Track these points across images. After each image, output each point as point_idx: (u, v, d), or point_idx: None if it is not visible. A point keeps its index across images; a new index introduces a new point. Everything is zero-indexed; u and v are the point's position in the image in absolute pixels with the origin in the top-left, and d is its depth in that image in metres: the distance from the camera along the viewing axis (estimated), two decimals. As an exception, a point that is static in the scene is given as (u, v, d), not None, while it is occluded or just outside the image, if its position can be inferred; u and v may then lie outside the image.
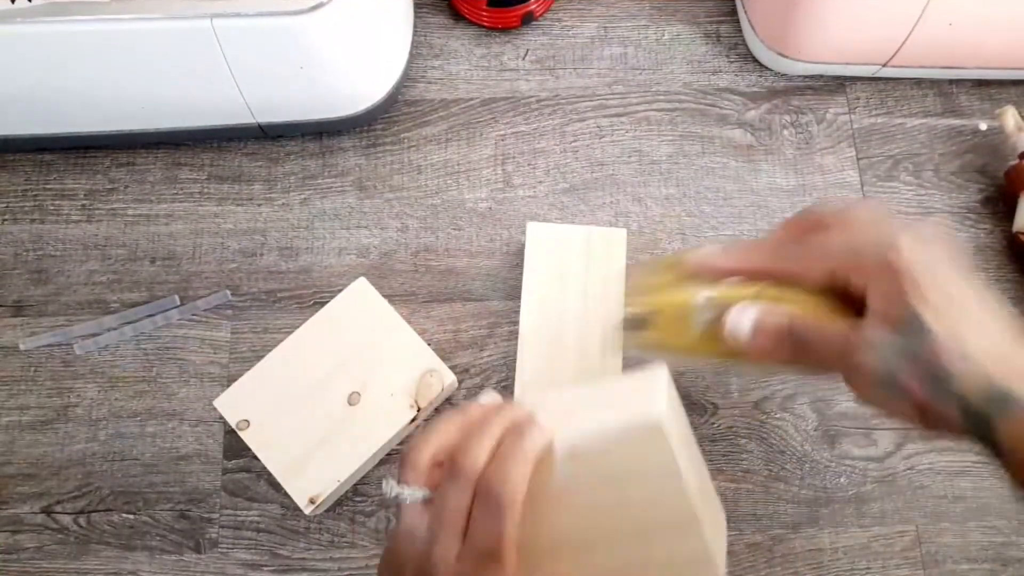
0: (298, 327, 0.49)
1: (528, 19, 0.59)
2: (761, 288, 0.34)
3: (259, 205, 0.55)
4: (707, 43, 0.60)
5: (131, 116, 0.52)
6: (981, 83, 0.59)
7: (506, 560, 0.29)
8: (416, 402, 0.48)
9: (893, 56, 0.55)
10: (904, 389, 0.31)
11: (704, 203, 0.56)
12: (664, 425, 0.30)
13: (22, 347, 0.52)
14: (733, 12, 0.61)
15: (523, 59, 0.60)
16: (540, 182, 0.56)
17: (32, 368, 0.51)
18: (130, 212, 0.55)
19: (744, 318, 0.33)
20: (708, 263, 0.36)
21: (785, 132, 0.58)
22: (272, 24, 0.45)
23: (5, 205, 0.55)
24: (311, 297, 0.53)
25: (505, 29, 0.60)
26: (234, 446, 0.49)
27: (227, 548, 0.48)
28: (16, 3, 0.43)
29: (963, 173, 0.57)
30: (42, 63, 0.47)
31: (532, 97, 0.59)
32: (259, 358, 0.48)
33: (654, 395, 0.32)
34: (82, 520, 0.49)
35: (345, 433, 0.47)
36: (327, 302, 0.50)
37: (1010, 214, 0.55)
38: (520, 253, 0.53)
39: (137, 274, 0.54)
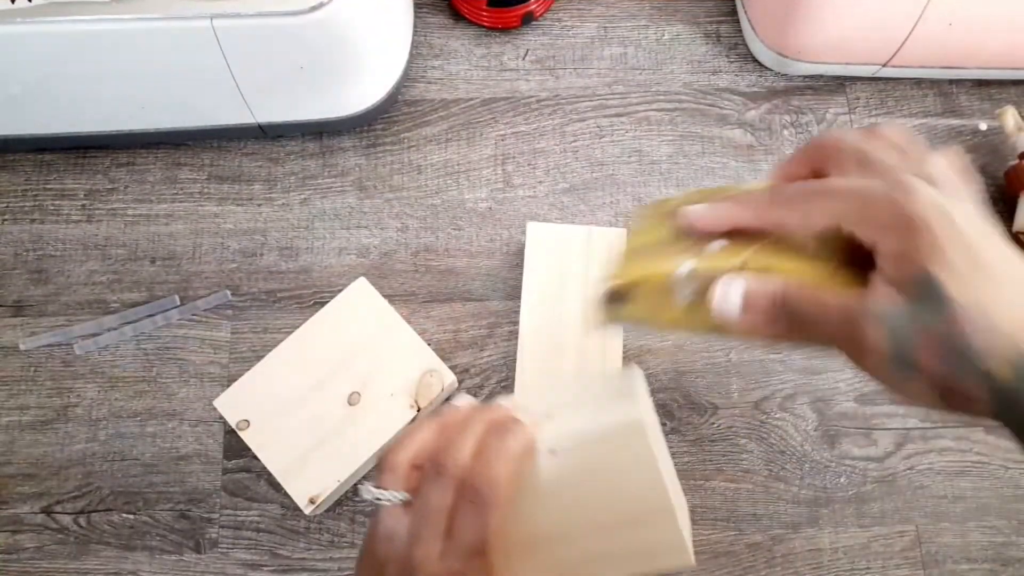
0: (298, 327, 0.49)
1: (528, 19, 0.59)
2: (750, 254, 0.30)
3: (259, 205, 0.55)
4: (707, 43, 0.60)
5: (131, 116, 0.52)
6: (981, 83, 0.59)
7: (491, 556, 0.29)
8: (416, 402, 0.48)
9: (893, 56, 0.55)
10: (919, 367, 0.26)
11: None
12: (644, 424, 0.31)
13: (22, 347, 0.52)
14: (733, 12, 0.61)
15: (523, 59, 0.60)
16: (540, 182, 0.56)
17: (32, 368, 0.51)
18: (130, 212, 0.55)
19: (731, 293, 0.29)
20: (694, 224, 0.31)
21: (785, 132, 0.58)
22: (272, 24, 0.45)
23: (5, 205, 0.55)
24: (311, 297, 0.53)
25: (505, 29, 0.60)
26: (234, 446, 0.49)
27: (227, 548, 0.48)
28: (16, 3, 0.43)
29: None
30: (42, 63, 0.47)
31: (532, 97, 0.59)
32: (259, 358, 0.48)
33: (633, 395, 0.32)
34: (82, 520, 0.49)
35: (345, 433, 0.47)
36: (327, 302, 0.50)
37: (1010, 214, 0.55)
38: (520, 253, 0.53)
39: (137, 274, 0.54)
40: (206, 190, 0.56)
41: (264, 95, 0.51)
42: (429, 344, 0.50)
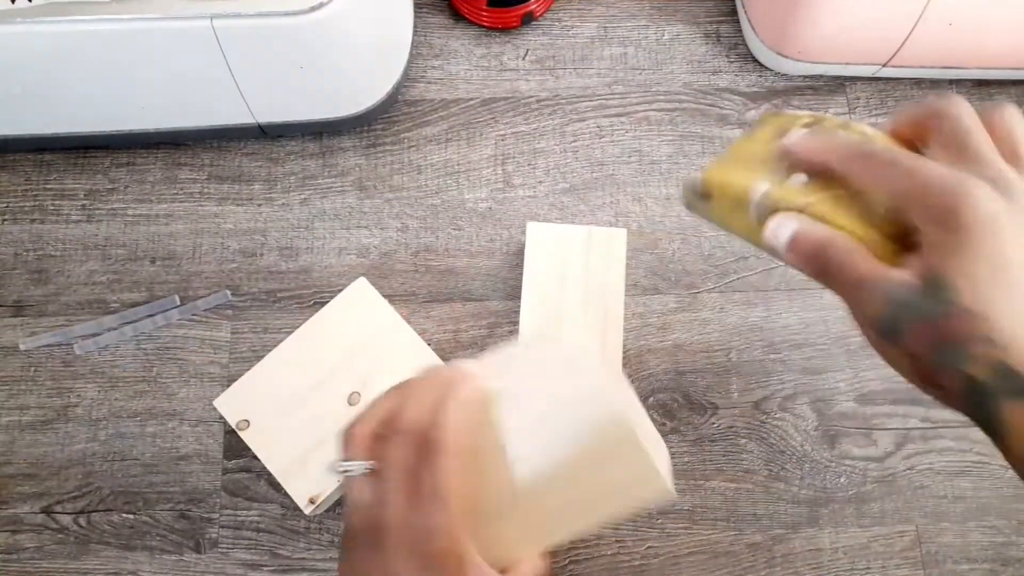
0: (298, 327, 0.49)
1: (528, 19, 0.59)
2: (817, 199, 0.32)
3: (259, 205, 0.55)
4: (707, 43, 0.60)
5: (131, 116, 0.52)
6: (981, 83, 0.59)
7: (447, 500, 0.29)
8: (416, 402, 0.48)
9: (893, 56, 0.55)
10: (907, 347, 0.28)
11: (704, 203, 0.56)
12: (593, 356, 0.33)
13: (22, 347, 0.52)
14: (733, 12, 0.61)
15: (523, 59, 0.60)
16: (540, 182, 0.56)
17: (32, 368, 0.51)
18: (130, 212, 0.55)
19: (782, 231, 0.31)
20: (789, 149, 0.32)
21: (785, 132, 0.58)
22: (272, 24, 0.45)
23: (5, 205, 0.55)
24: (311, 297, 0.53)
25: (505, 29, 0.60)
26: (234, 446, 0.49)
27: (227, 548, 0.48)
28: (16, 3, 0.43)
29: (963, 173, 0.57)
30: (42, 63, 0.47)
31: (532, 97, 0.59)
32: (259, 358, 0.48)
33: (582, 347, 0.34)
34: (82, 520, 0.49)
35: (345, 433, 0.47)
36: (327, 302, 0.50)
37: (1010, 214, 0.55)
38: (520, 253, 0.53)
39: (137, 274, 0.54)
40: (206, 190, 0.56)
41: (264, 95, 0.51)
42: (429, 344, 0.50)
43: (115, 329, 0.52)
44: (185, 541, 0.48)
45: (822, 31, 0.54)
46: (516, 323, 0.51)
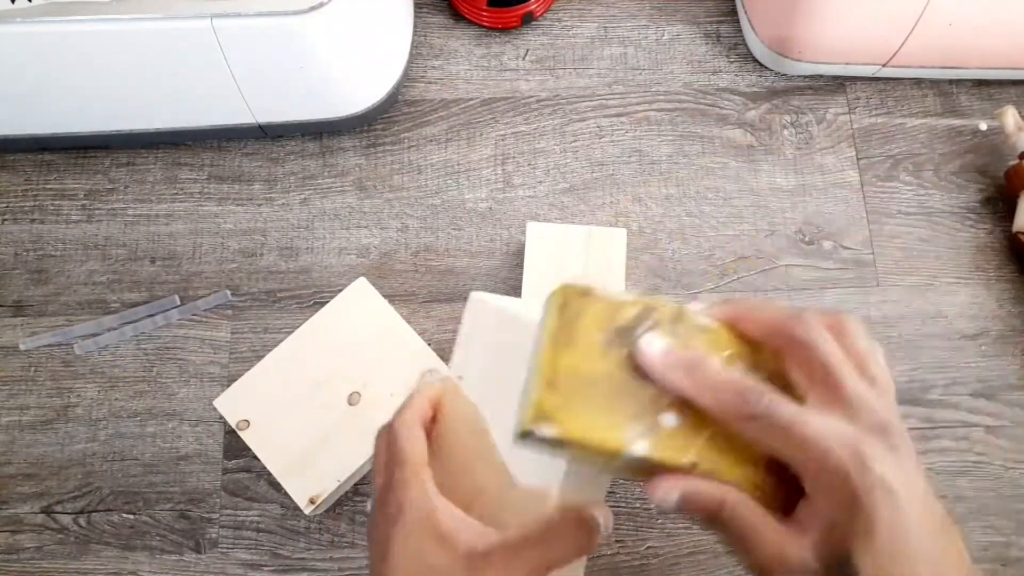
0: (298, 327, 0.49)
1: (528, 19, 0.59)
2: (701, 450, 0.29)
3: (259, 205, 0.55)
4: (707, 43, 0.60)
5: (131, 116, 0.53)
6: (981, 83, 0.59)
7: (408, 465, 0.31)
8: (416, 402, 0.48)
9: (893, 56, 0.55)
10: None
11: (704, 203, 0.56)
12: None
13: (22, 347, 0.52)
14: (733, 12, 0.61)
15: (523, 59, 0.60)
16: (540, 182, 0.56)
17: (32, 368, 0.51)
18: (130, 212, 0.55)
19: (671, 495, 0.29)
20: (652, 373, 0.29)
21: (785, 132, 0.58)
22: (272, 24, 0.45)
23: (5, 205, 0.55)
24: (311, 297, 0.53)
25: (505, 29, 0.60)
26: (234, 446, 0.49)
27: (227, 548, 0.48)
28: (16, 3, 0.43)
29: (963, 173, 0.57)
30: (42, 63, 0.47)
31: (532, 97, 0.59)
32: (259, 358, 0.48)
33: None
34: (82, 520, 0.49)
35: (345, 433, 0.47)
36: (327, 302, 0.50)
37: (1010, 214, 0.55)
38: (520, 253, 0.53)
39: (137, 274, 0.54)
40: (206, 190, 0.56)
41: (264, 95, 0.51)
42: (429, 344, 0.49)
43: (115, 329, 0.52)
44: (185, 541, 0.48)
45: (822, 31, 0.54)
46: (516, 323, 0.51)
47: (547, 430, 0.28)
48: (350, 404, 0.47)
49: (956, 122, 0.58)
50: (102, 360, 0.52)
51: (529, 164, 0.57)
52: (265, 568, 0.48)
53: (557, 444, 0.29)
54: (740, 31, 0.60)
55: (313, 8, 0.44)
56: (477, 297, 0.40)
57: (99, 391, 0.51)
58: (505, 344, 0.37)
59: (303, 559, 0.48)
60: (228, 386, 0.48)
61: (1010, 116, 0.54)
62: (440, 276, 0.54)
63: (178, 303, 0.53)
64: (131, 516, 0.49)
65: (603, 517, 0.30)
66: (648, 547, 0.48)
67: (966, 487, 0.50)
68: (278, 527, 0.48)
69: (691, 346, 0.30)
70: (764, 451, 0.29)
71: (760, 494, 0.29)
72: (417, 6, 0.60)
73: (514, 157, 0.57)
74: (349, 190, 0.56)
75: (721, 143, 0.57)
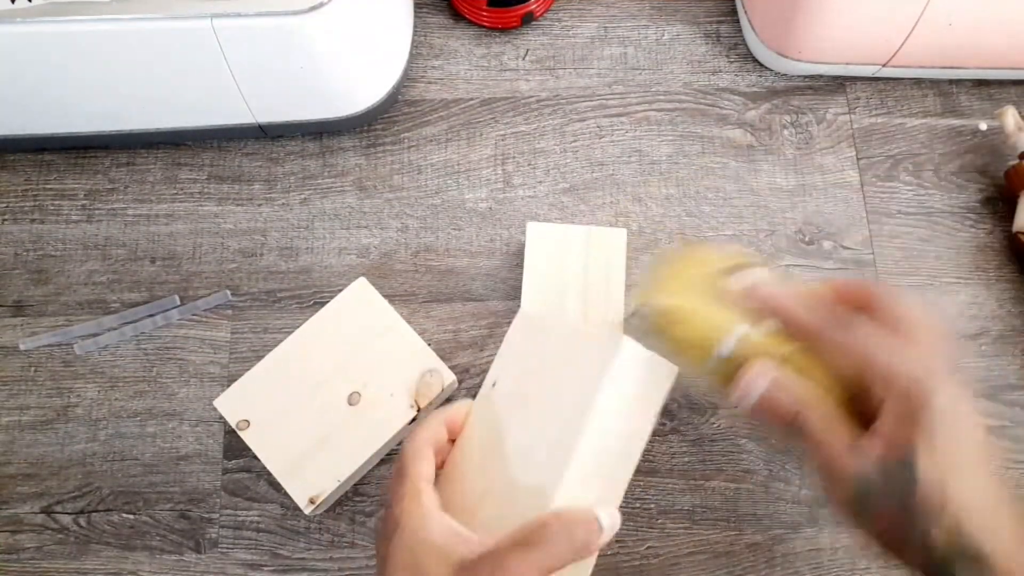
0: (298, 327, 0.49)
1: (528, 19, 0.59)
2: (794, 351, 0.33)
3: (259, 205, 0.55)
4: (707, 43, 0.60)
5: (131, 116, 0.53)
6: (981, 83, 0.59)
7: (408, 480, 0.34)
8: (416, 402, 0.48)
9: (893, 56, 0.55)
10: (877, 523, 0.31)
11: (704, 203, 0.56)
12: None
13: (22, 347, 0.52)
14: (733, 12, 0.61)
15: (523, 59, 0.60)
16: (540, 182, 0.56)
17: (32, 368, 0.51)
18: (130, 212, 0.55)
19: (758, 383, 0.32)
20: (764, 296, 0.34)
21: (785, 132, 0.58)
22: (272, 24, 0.45)
23: (5, 205, 0.55)
24: (311, 297, 0.53)
25: (505, 29, 0.60)
26: (234, 446, 0.49)
27: (227, 548, 0.48)
28: (16, 3, 0.43)
29: (963, 173, 0.57)
30: (42, 63, 0.47)
31: (532, 97, 0.59)
32: (259, 358, 0.48)
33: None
34: (82, 520, 0.49)
35: (345, 433, 0.47)
36: (327, 302, 0.50)
37: (1010, 214, 0.55)
38: (520, 253, 0.53)
39: (137, 274, 0.54)
40: (206, 190, 0.56)
41: (264, 95, 0.51)
42: (429, 344, 0.50)
43: (115, 329, 0.52)
44: (185, 541, 0.48)
45: (822, 31, 0.54)
46: (516, 323, 0.51)
47: (662, 299, 0.33)
48: (350, 404, 0.47)
49: (956, 122, 0.58)
50: (102, 360, 0.52)
51: (529, 164, 0.57)
52: (265, 568, 0.48)
53: (662, 325, 0.33)
54: (740, 31, 0.60)
55: (313, 8, 0.44)
56: (524, 312, 0.42)
57: (99, 391, 0.51)
58: (544, 354, 0.38)
59: (303, 559, 0.48)
60: (228, 386, 0.48)
61: (1010, 116, 0.54)
62: (440, 276, 0.54)
63: (178, 303, 0.53)
64: (131, 516, 0.49)
65: (608, 517, 0.30)
66: (648, 547, 0.48)
67: (966, 487, 0.50)
68: (278, 527, 0.48)
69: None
70: (844, 368, 0.32)
71: (835, 407, 0.32)
72: (417, 6, 0.60)
73: (514, 157, 0.57)
74: (349, 190, 0.56)
75: (721, 143, 0.57)
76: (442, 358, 0.49)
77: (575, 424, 0.32)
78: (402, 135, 0.57)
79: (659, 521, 0.49)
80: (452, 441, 0.38)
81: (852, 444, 0.31)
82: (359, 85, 0.53)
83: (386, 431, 0.47)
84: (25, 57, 0.46)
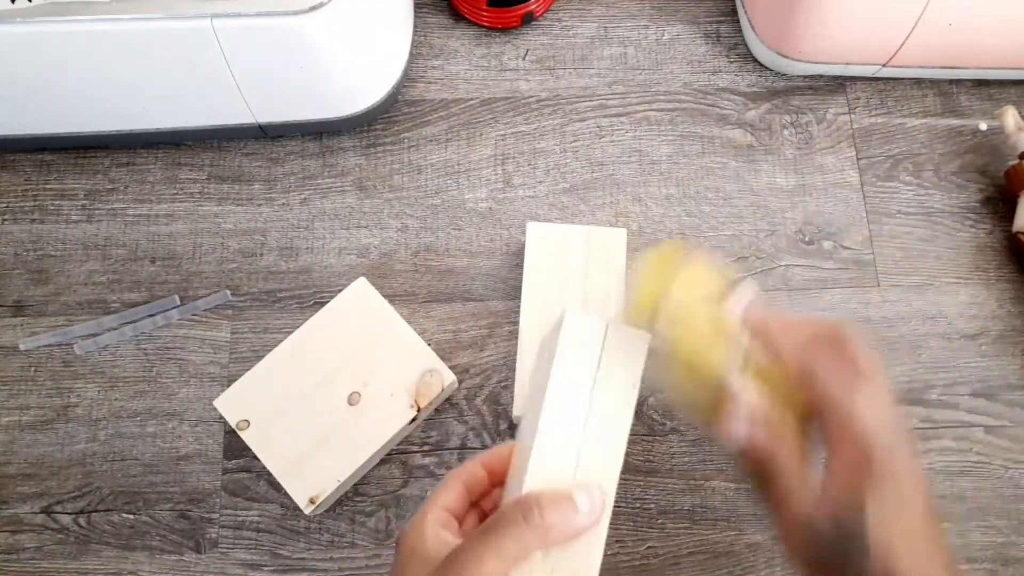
0: (298, 327, 0.49)
1: (528, 19, 0.59)
2: (775, 378, 0.34)
3: (259, 205, 0.55)
4: (707, 43, 0.60)
5: (131, 116, 0.52)
6: (981, 83, 0.59)
7: (424, 504, 0.34)
8: (416, 402, 0.48)
9: (893, 56, 0.55)
10: (826, 572, 0.33)
11: (704, 203, 0.56)
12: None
13: (22, 347, 0.52)
14: (733, 12, 0.61)
15: (523, 59, 0.60)
16: (540, 182, 0.56)
17: (32, 368, 0.51)
18: (130, 212, 0.55)
19: (744, 427, 0.33)
20: (754, 323, 0.35)
21: (785, 132, 0.58)
22: (272, 24, 0.45)
23: (5, 205, 0.55)
24: (311, 297, 0.53)
25: (505, 29, 0.60)
26: (234, 446, 0.49)
27: (227, 548, 0.48)
28: (16, 3, 0.43)
29: (963, 173, 0.57)
30: (42, 63, 0.47)
31: (532, 97, 0.59)
32: (259, 358, 0.48)
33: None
34: (82, 520, 0.49)
35: (345, 433, 0.47)
36: (327, 302, 0.50)
37: (1010, 214, 0.55)
38: (520, 253, 0.53)
39: (137, 274, 0.54)
40: (206, 190, 0.56)
41: (264, 95, 0.51)
42: (429, 344, 0.49)
43: (115, 329, 0.52)
44: (185, 541, 0.48)
45: (822, 31, 0.54)
46: (516, 323, 0.51)
47: (663, 328, 0.34)
48: (350, 404, 0.47)
49: (956, 122, 0.58)
50: (102, 360, 0.52)
51: (529, 164, 0.57)
52: (265, 568, 0.48)
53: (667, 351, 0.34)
54: (740, 31, 0.60)
55: (313, 8, 0.44)
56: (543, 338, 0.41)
57: (99, 391, 0.51)
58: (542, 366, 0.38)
59: (303, 559, 0.48)
60: (228, 386, 0.48)
61: (1010, 116, 0.54)
62: (440, 276, 0.54)
63: (178, 303, 0.53)
64: (131, 516, 0.49)
65: (588, 498, 0.31)
66: (648, 547, 0.48)
67: (966, 487, 0.50)
68: (278, 527, 0.48)
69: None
70: (806, 403, 0.34)
71: (799, 444, 0.33)
72: (417, 6, 0.60)
73: (514, 157, 0.57)
74: (349, 190, 0.56)
75: (721, 143, 0.57)
76: (442, 358, 0.49)
77: (539, 406, 0.33)
78: (402, 135, 0.57)
79: (659, 521, 0.49)
80: (498, 483, 0.37)
81: (808, 496, 0.32)
82: (359, 85, 0.53)
83: (386, 431, 0.47)
84: (25, 57, 0.46)
